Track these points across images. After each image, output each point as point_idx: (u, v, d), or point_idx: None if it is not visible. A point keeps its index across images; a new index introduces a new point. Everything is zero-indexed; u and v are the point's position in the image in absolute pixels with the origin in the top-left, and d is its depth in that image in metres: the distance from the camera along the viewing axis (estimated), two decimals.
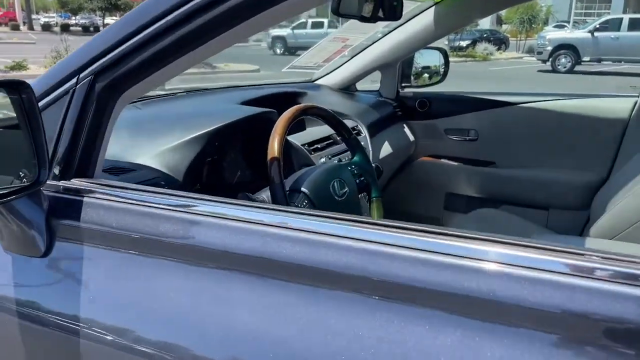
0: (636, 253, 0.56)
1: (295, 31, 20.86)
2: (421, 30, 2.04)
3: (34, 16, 35.27)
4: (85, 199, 0.86)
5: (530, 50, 20.44)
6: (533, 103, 2.13)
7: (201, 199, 0.79)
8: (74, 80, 0.88)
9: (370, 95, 2.33)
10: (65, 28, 26.80)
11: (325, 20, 21.09)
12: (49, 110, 0.90)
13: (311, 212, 0.73)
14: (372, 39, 2.25)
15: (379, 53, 2.18)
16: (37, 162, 0.83)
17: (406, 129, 2.31)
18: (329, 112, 1.34)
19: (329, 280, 0.66)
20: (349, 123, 1.89)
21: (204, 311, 0.72)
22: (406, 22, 2.06)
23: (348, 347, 0.62)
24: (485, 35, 21.83)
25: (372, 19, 1.50)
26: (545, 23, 26.80)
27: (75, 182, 0.88)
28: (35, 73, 10.31)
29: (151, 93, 1.75)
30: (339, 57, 2.39)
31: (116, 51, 0.85)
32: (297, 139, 1.62)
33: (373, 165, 1.46)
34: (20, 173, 0.85)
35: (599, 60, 15.69)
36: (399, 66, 2.30)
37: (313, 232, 0.68)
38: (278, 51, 20.76)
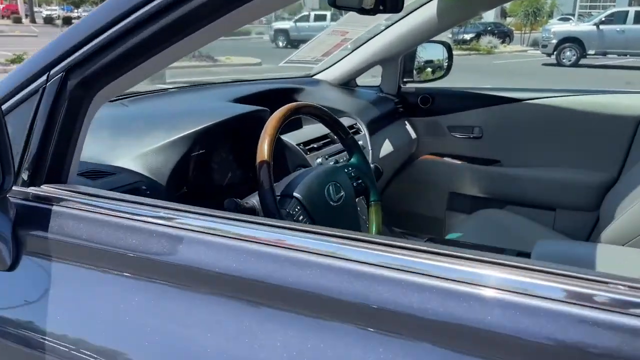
0: None
1: (298, 24, 20.78)
2: (424, 23, 1.97)
3: (36, 9, 35.28)
4: (54, 207, 0.79)
5: (534, 44, 20.33)
6: (540, 99, 2.06)
7: (183, 211, 0.71)
8: (44, 77, 0.83)
9: (371, 91, 2.26)
10: (67, 21, 26.70)
11: (328, 13, 20.97)
12: (18, 110, 0.84)
13: (299, 227, 0.66)
14: (373, 32, 2.17)
15: (380, 47, 2.11)
16: (0, 167, 0.76)
17: (408, 126, 2.24)
18: (324, 110, 1.26)
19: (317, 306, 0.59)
20: (348, 121, 1.82)
21: (198, 342, 0.65)
22: (408, 14, 1.99)
23: None
24: (489, 28, 21.66)
25: (372, 11, 1.43)
26: (550, 16, 26.59)
27: (46, 189, 0.81)
28: None
29: (141, 89, 1.68)
30: (339, 51, 2.32)
31: (89, 45, 0.78)
32: (293, 138, 1.55)
33: (372, 166, 1.39)
34: None
35: (605, 54, 15.57)
36: (401, 60, 2.23)
37: (302, 250, 0.61)
38: (280, 44, 20.69)
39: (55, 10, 36.34)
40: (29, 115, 0.81)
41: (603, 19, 15.73)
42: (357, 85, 2.29)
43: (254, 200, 1.06)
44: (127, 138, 1.17)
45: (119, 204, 0.76)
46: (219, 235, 0.66)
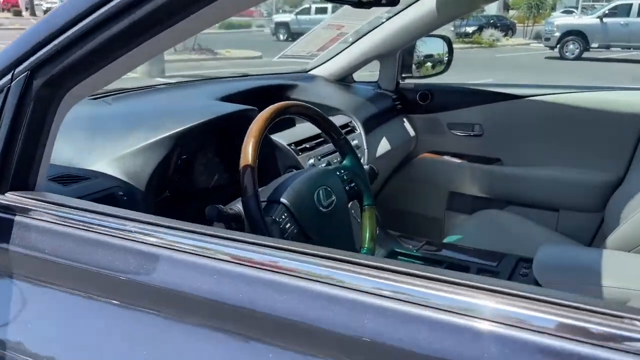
0: None
1: (299, 17, 20.63)
2: (423, 16, 1.90)
3: (36, 2, 35.07)
4: (17, 218, 0.73)
5: (537, 37, 20.16)
6: (543, 96, 1.99)
7: (159, 225, 0.65)
8: (9, 76, 0.77)
9: (368, 87, 2.20)
10: None
11: (330, 6, 20.80)
12: None
13: (281, 245, 0.59)
14: (373, 25, 2.10)
15: (378, 41, 2.04)
16: None
17: (406, 124, 2.18)
18: (315, 109, 1.19)
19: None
20: (343, 118, 1.75)
21: None
22: (407, 7, 1.92)
23: None
24: (491, 21, 21.48)
25: (368, 4, 1.36)
26: (553, 9, 26.38)
27: (10, 197, 0.76)
28: None
29: (128, 85, 1.62)
30: (336, 45, 2.25)
31: (54, 43, 0.73)
32: (284, 138, 1.48)
33: (367, 167, 1.32)
34: None
35: (608, 47, 15.44)
36: (399, 55, 2.17)
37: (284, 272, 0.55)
38: (281, 37, 20.54)
39: (56, 3, 36.16)
40: None
41: (606, 11, 15.58)
42: (354, 81, 2.22)
43: (238, 205, 0.99)
44: (104, 139, 1.10)
45: (85, 215, 0.70)
46: (191, 253, 0.60)
